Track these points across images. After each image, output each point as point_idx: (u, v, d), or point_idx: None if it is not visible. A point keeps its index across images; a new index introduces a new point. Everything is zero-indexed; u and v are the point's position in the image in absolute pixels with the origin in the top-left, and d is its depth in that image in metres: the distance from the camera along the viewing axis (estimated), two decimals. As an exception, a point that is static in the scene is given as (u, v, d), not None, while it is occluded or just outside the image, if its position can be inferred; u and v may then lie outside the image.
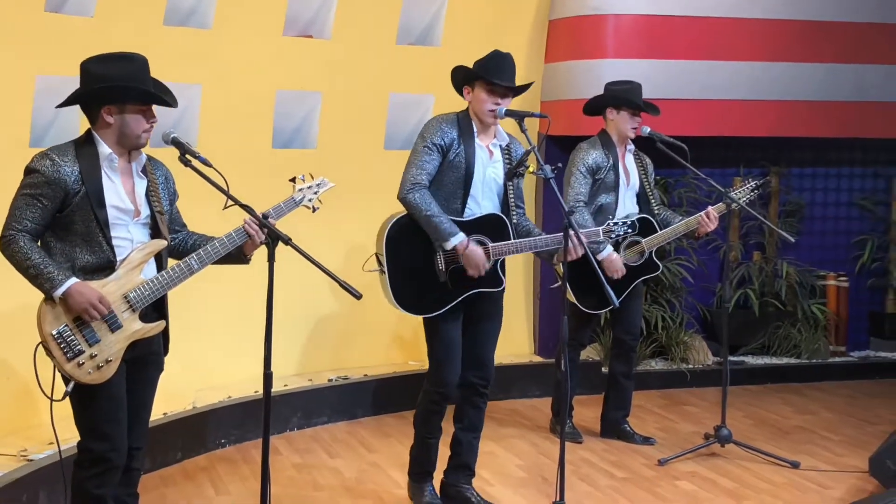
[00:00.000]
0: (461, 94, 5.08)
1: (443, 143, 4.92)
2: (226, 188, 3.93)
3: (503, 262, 5.06)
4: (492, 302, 5.10)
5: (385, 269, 4.93)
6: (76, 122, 5.85)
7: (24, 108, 5.77)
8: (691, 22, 7.71)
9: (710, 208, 6.22)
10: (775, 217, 8.67)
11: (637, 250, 6.27)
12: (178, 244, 4.20)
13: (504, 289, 5.11)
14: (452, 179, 4.95)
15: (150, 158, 4.08)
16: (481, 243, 4.95)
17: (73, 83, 5.77)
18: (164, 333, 4.12)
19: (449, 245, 4.87)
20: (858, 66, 8.13)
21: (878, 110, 8.25)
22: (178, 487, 5.57)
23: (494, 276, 5.03)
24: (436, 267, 4.94)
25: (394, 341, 7.56)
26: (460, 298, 4.97)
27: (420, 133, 5.00)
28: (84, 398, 3.90)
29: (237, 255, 4.10)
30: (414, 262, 4.95)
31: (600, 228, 5.31)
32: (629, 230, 5.31)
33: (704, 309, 8.56)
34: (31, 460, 5.10)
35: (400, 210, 5.00)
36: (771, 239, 8.65)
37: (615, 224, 5.27)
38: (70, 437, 4.09)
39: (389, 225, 4.96)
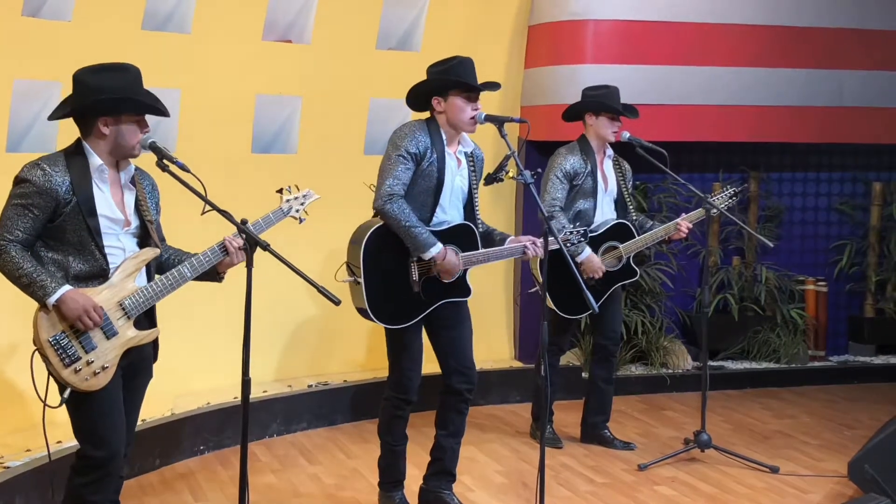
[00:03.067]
0: (429, 106, 5.02)
1: (417, 151, 4.89)
2: (204, 193, 3.92)
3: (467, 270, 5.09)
4: (460, 307, 5.11)
5: (361, 278, 4.91)
6: (54, 128, 5.82)
7: (1, 114, 5.74)
8: (670, 27, 7.74)
9: (683, 218, 6.26)
10: (754, 222, 8.70)
11: (615, 255, 6.29)
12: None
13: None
14: (423, 188, 4.94)
15: (137, 169, 4.10)
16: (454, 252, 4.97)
17: (51, 88, 5.80)
18: (154, 341, 4.13)
19: (428, 255, 4.88)
20: (836, 72, 8.18)
21: (856, 115, 8.30)
22: (156, 494, 5.54)
23: (463, 286, 5.07)
24: (410, 277, 4.94)
25: (373, 347, 7.54)
26: (431, 308, 4.99)
27: (391, 140, 4.96)
28: (81, 405, 3.90)
29: (211, 273, 4.10)
30: (389, 272, 4.94)
31: (559, 236, 5.33)
32: (582, 238, 5.37)
33: (684, 314, 8.58)
34: (8, 467, 5.06)
35: (370, 218, 5.00)
36: (750, 244, 8.69)
37: (570, 233, 5.35)
38: (42, 444, 4.07)
39: (367, 235, 4.93)
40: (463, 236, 5.01)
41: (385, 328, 5.01)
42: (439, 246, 4.88)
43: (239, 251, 4.04)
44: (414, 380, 5.04)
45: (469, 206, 5.08)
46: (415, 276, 4.94)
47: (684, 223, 6.22)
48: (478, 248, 5.04)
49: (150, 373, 4.17)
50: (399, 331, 4.98)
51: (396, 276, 4.94)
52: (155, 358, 4.18)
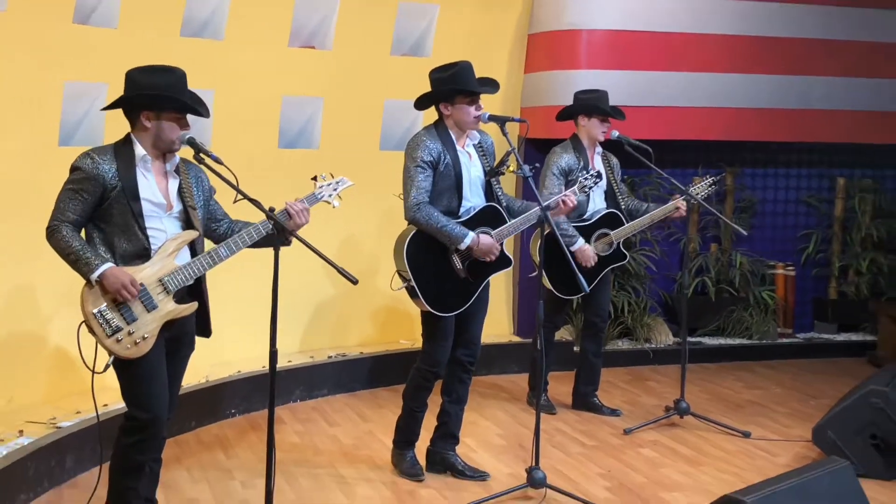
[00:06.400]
0: (436, 109, 5.04)
1: (431, 158, 4.92)
2: (236, 184, 3.93)
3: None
4: (486, 289, 5.12)
5: (413, 283, 4.93)
6: (102, 124, 5.83)
7: (54, 112, 5.74)
8: (656, 37, 7.71)
9: (679, 202, 6.22)
10: (730, 213, 8.68)
11: (606, 241, 6.29)
12: (223, 232, 4.24)
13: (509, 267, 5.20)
14: (446, 187, 4.97)
15: (184, 161, 4.11)
16: (485, 234, 4.99)
17: (99, 88, 5.80)
18: (205, 317, 4.15)
19: (463, 245, 4.91)
20: (804, 78, 8.15)
21: (822, 117, 8.27)
22: (192, 453, 5.56)
23: (503, 258, 5.11)
24: (454, 267, 4.97)
25: (387, 322, 7.55)
26: (482, 286, 5.05)
27: (407, 153, 4.98)
28: (127, 372, 3.93)
29: (278, 237, 4.00)
30: (435, 269, 4.97)
31: (575, 187, 5.38)
32: (598, 179, 5.39)
33: (666, 295, 8.57)
34: (60, 427, 5.09)
35: (404, 224, 5.04)
36: (726, 232, 8.67)
37: (585, 178, 5.36)
38: (91, 406, 4.10)
39: (406, 243, 4.95)
40: (490, 216, 5.06)
41: (423, 312, 5.03)
42: (471, 234, 4.92)
43: (302, 212, 4.09)
44: (444, 356, 5.07)
45: (489, 189, 5.11)
46: (458, 265, 4.98)
47: (683, 203, 6.20)
48: (506, 223, 5.06)
49: (193, 345, 4.20)
50: (441, 315, 4.99)
51: (442, 269, 4.97)
52: (209, 332, 4.18)
